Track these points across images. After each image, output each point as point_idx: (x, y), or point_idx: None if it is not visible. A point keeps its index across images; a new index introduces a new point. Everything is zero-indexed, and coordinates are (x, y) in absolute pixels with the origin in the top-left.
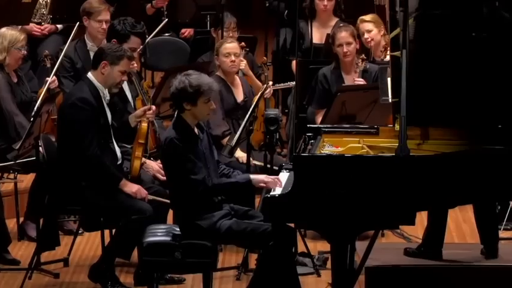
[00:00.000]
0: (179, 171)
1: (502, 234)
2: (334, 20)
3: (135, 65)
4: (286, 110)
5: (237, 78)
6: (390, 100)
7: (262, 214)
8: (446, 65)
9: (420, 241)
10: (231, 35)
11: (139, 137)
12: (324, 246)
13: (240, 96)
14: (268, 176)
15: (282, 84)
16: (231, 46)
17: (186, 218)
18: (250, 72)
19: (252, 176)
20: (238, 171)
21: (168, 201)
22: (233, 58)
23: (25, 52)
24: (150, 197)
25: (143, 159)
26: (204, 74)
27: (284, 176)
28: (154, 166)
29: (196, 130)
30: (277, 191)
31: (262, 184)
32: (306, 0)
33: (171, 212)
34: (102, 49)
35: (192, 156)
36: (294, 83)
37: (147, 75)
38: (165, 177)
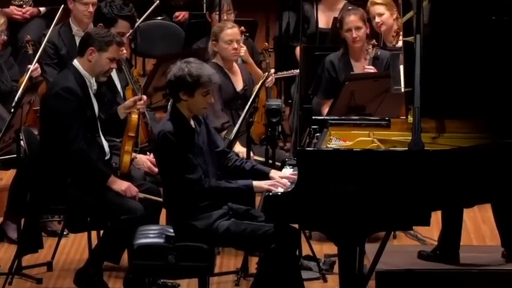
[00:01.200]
0: (173, 169)
1: None
2: (342, 3)
3: (125, 51)
4: (290, 101)
5: (235, 65)
6: (403, 90)
7: (263, 214)
8: (464, 51)
9: (435, 243)
10: (225, 18)
11: (129, 129)
12: (330, 248)
13: (239, 85)
14: (273, 180)
15: (285, 72)
16: (233, 32)
17: (180, 218)
18: (251, 60)
19: (255, 183)
20: (251, 161)
21: (161, 199)
22: (236, 45)
23: (5, 37)
24: (141, 195)
25: (133, 154)
26: (206, 64)
27: (287, 172)
28: (146, 161)
29: (192, 123)
30: (280, 189)
31: (269, 188)
32: None
33: (164, 211)
34: (89, 34)
35: (187, 153)
36: (298, 71)
37: (137, 63)
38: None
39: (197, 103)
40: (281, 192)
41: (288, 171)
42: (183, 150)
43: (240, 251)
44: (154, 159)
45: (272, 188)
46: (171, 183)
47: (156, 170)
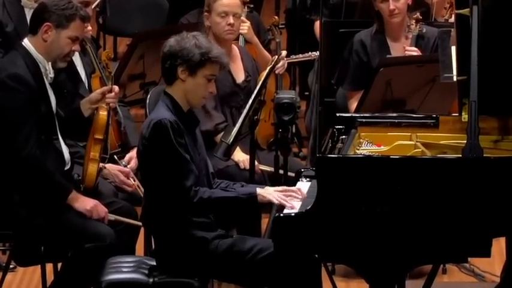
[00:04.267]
0: (162, 171)
1: None
2: None
3: (90, 28)
4: (307, 93)
5: (235, 48)
6: (455, 78)
7: (271, 240)
8: None
9: (498, 280)
10: None
11: (96, 131)
12: (359, 286)
13: (239, 75)
14: (286, 189)
15: (300, 55)
16: (229, 2)
17: (166, 240)
18: (256, 39)
19: (260, 191)
20: (241, 183)
21: (138, 223)
22: (231, 20)
23: None
24: (112, 216)
25: (101, 163)
26: (216, 44)
27: (304, 186)
28: (118, 174)
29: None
30: (294, 202)
31: (273, 200)
32: None
33: (141, 238)
34: (44, 6)
35: (182, 151)
36: (317, 53)
37: (107, 43)
38: (131, 189)
39: (197, 87)
40: (295, 213)
41: (304, 185)
42: (180, 146)
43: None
44: (127, 170)
45: (281, 200)
46: (157, 191)
47: (131, 184)
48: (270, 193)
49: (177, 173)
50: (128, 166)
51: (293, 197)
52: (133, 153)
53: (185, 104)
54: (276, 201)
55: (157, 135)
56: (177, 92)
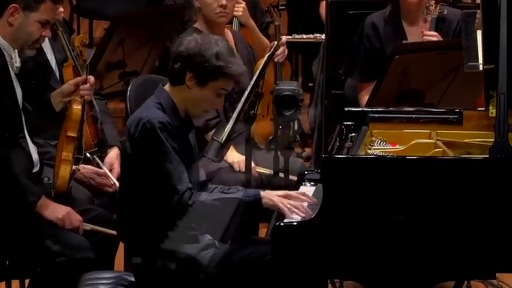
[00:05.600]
0: (152, 174)
1: None
2: None
3: (62, 9)
4: (311, 84)
5: (228, 32)
6: (481, 67)
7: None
8: None
9: None
10: None
11: (68, 127)
12: None
13: None
14: (287, 194)
15: (304, 35)
16: None
17: (147, 255)
18: (252, 22)
19: (264, 193)
20: (238, 188)
21: (115, 232)
22: (224, 1)
23: None
24: (87, 226)
25: (75, 165)
26: (239, 58)
27: (307, 191)
28: (95, 176)
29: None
30: (303, 205)
31: (280, 206)
32: None
33: (120, 251)
34: None
35: (175, 154)
36: (323, 36)
37: (81, 27)
38: (112, 189)
39: (202, 99)
40: (297, 222)
41: (307, 189)
42: (173, 148)
43: None
44: (102, 171)
45: (290, 207)
46: (141, 197)
47: (110, 184)
48: (275, 197)
49: (169, 175)
50: (113, 175)
51: (302, 202)
52: (113, 153)
53: (183, 110)
54: (284, 208)
55: (148, 136)
56: (178, 96)
